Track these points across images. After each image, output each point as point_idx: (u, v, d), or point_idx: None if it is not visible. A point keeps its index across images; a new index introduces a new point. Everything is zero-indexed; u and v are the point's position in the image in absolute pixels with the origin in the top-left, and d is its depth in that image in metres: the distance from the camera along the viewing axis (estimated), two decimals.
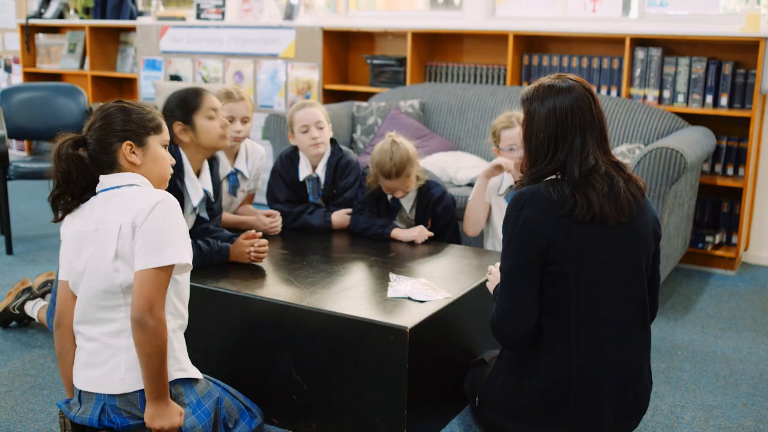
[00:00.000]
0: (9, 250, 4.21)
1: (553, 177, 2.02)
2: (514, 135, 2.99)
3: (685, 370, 2.91)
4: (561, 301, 1.99)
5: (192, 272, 2.56)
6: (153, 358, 1.88)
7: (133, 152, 2.02)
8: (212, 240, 2.68)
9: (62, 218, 2.04)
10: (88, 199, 2.03)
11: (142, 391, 1.95)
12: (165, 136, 2.11)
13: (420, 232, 3.04)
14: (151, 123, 2.06)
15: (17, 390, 2.66)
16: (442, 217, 3.16)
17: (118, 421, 1.96)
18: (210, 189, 2.76)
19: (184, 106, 2.66)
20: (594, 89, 2.07)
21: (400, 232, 3.06)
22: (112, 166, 2.02)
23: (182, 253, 1.94)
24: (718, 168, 4.18)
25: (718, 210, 4.23)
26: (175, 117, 2.65)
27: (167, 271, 1.92)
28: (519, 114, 2.90)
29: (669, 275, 4.00)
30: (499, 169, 3.10)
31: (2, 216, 4.31)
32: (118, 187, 2.00)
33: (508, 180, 3.12)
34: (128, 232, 1.92)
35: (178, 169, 2.66)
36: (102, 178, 2.02)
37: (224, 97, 3.04)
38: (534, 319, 2.00)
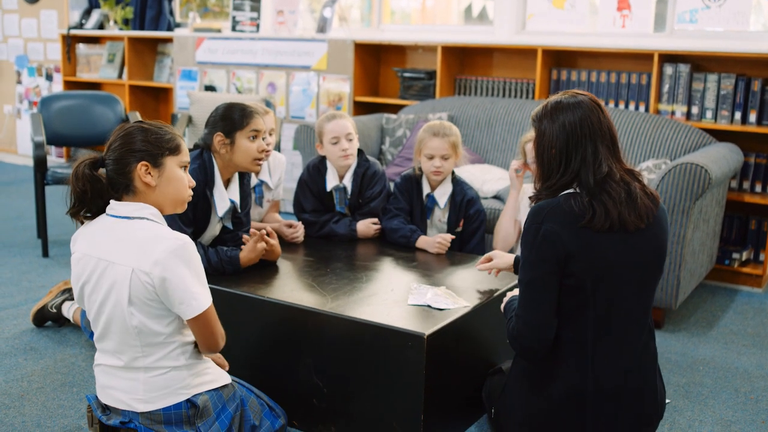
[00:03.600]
0: (45, 253, 4.34)
1: (571, 190, 2.05)
2: None
3: (706, 385, 2.91)
4: (578, 312, 2.01)
5: (218, 277, 2.65)
6: None
7: (149, 173, 1.98)
8: (223, 249, 2.71)
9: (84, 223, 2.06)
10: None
11: (165, 409, 2.01)
12: (184, 157, 2.06)
13: (443, 239, 3.07)
14: (169, 144, 2.02)
15: (48, 387, 2.75)
16: (474, 220, 3.20)
17: (143, 429, 2.03)
18: (237, 200, 2.81)
19: (230, 121, 2.70)
20: (602, 102, 2.10)
21: (425, 242, 3.11)
22: (128, 188, 1.99)
23: (208, 297, 1.99)
24: (746, 185, 4.17)
25: (746, 227, 4.21)
26: (218, 128, 2.71)
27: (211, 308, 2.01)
28: None
29: (694, 291, 3.99)
30: (517, 174, 3.14)
31: (39, 220, 4.45)
32: (128, 218, 1.98)
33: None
34: (142, 281, 1.92)
35: (209, 178, 2.73)
36: (113, 203, 2.00)
37: None
38: (554, 329, 2.03)
